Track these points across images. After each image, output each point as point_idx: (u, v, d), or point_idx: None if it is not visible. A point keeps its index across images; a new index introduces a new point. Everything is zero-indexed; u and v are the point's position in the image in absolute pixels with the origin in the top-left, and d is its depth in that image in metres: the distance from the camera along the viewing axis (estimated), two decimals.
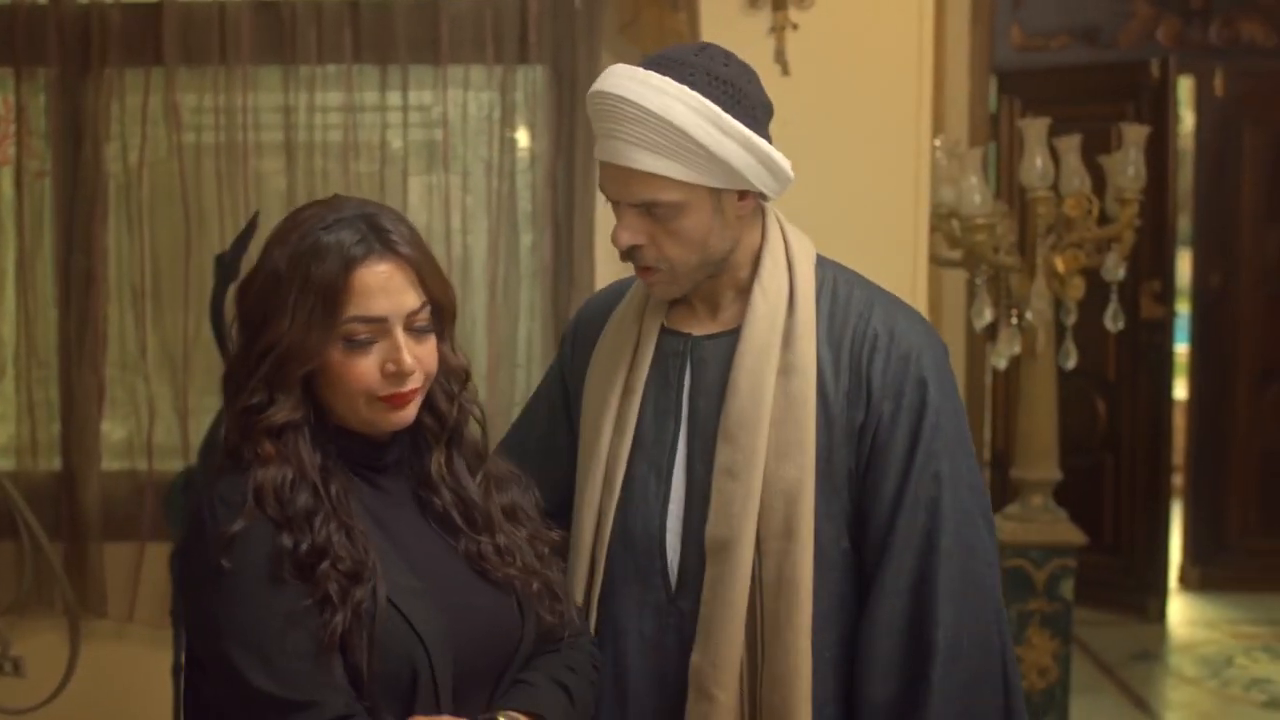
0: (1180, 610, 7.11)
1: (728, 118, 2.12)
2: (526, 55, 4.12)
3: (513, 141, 4.18)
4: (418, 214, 4.10)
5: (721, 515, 2.18)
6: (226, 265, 3.73)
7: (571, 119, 4.08)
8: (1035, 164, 4.63)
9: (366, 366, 1.95)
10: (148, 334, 4.20)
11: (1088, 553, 5.09)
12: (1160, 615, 6.95)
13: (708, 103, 2.11)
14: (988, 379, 6.43)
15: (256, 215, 3.80)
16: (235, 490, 1.93)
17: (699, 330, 2.29)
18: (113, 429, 4.30)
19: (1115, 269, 4.63)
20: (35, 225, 4.23)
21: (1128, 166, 4.66)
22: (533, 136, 4.21)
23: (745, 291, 2.26)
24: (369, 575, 1.90)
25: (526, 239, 4.21)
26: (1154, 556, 6.98)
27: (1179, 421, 7.45)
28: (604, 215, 4.06)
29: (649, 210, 2.15)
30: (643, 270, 2.22)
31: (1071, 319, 4.68)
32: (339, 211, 1.99)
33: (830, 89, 3.90)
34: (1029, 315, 4.68)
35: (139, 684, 4.13)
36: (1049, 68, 7.14)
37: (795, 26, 3.97)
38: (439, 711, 1.91)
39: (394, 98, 4.17)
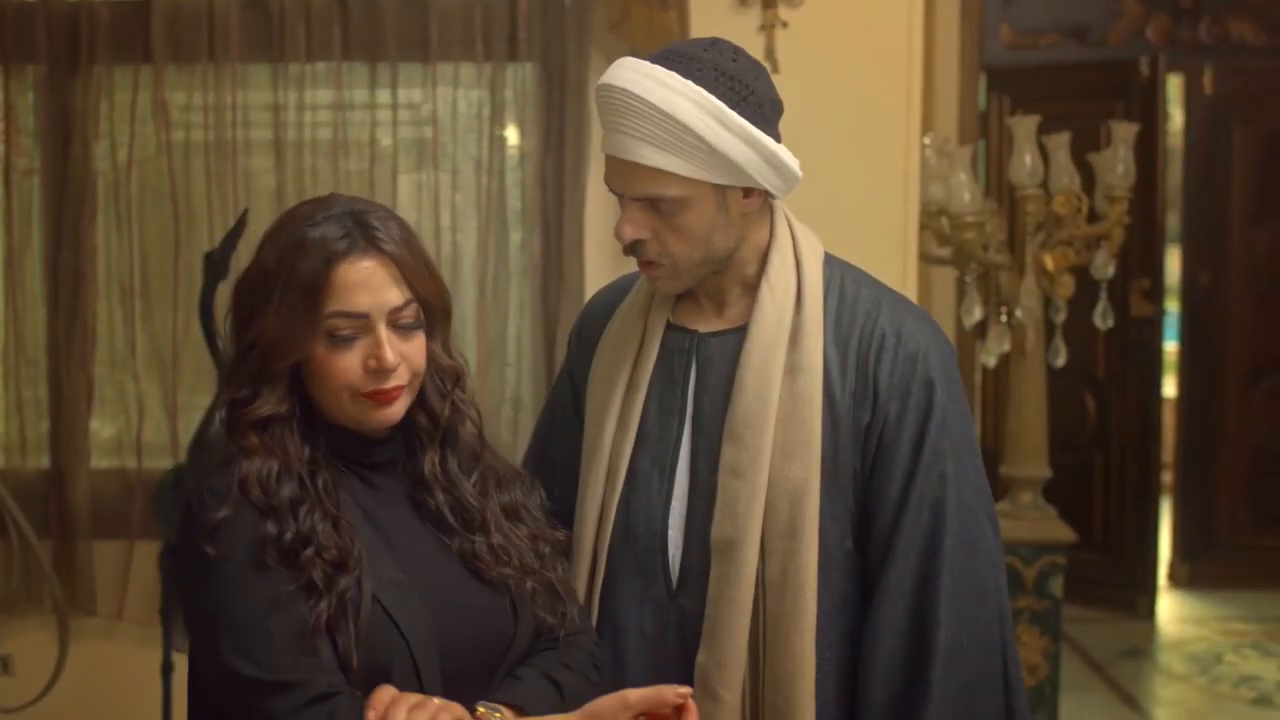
0: (1169, 607, 7.12)
1: (732, 114, 2.11)
2: (516, 53, 4.12)
3: (502, 139, 4.18)
4: (407, 212, 4.09)
5: (727, 515, 2.18)
6: (215, 263, 3.73)
7: (561, 117, 4.08)
8: (1025, 162, 4.64)
9: (349, 362, 1.95)
10: (137, 332, 4.20)
11: (1077, 550, 5.10)
12: (1149, 612, 6.96)
13: (712, 98, 2.10)
14: (977, 377, 6.43)
15: (245, 213, 3.80)
16: (223, 481, 1.94)
17: (705, 327, 2.29)
18: (102, 427, 4.29)
19: (1104, 267, 4.64)
20: (24, 223, 4.22)
21: (1117, 164, 4.67)
22: (522, 134, 4.21)
23: (752, 289, 2.26)
24: (354, 565, 1.90)
25: (516, 237, 4.21)
26: (1143, 554, 6.99)
27: (1168, 419, 7.46)
28: (593, 213, 4.08)
29: (653, 205, 2.14)
30: (645, 265, 2.22)
31: (1061, 317, 4.69)
32: (329, 209, 1.99)
33: (820, 87, 3.89)
34: (1018, 313, 4.69)
35: (128, 682, 4.12)
36: (1038, 65, 7.15)
37: (785, 24, 3.97)
38: None
39: (383, 95, 4.17)
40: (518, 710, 1.95)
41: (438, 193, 4.18)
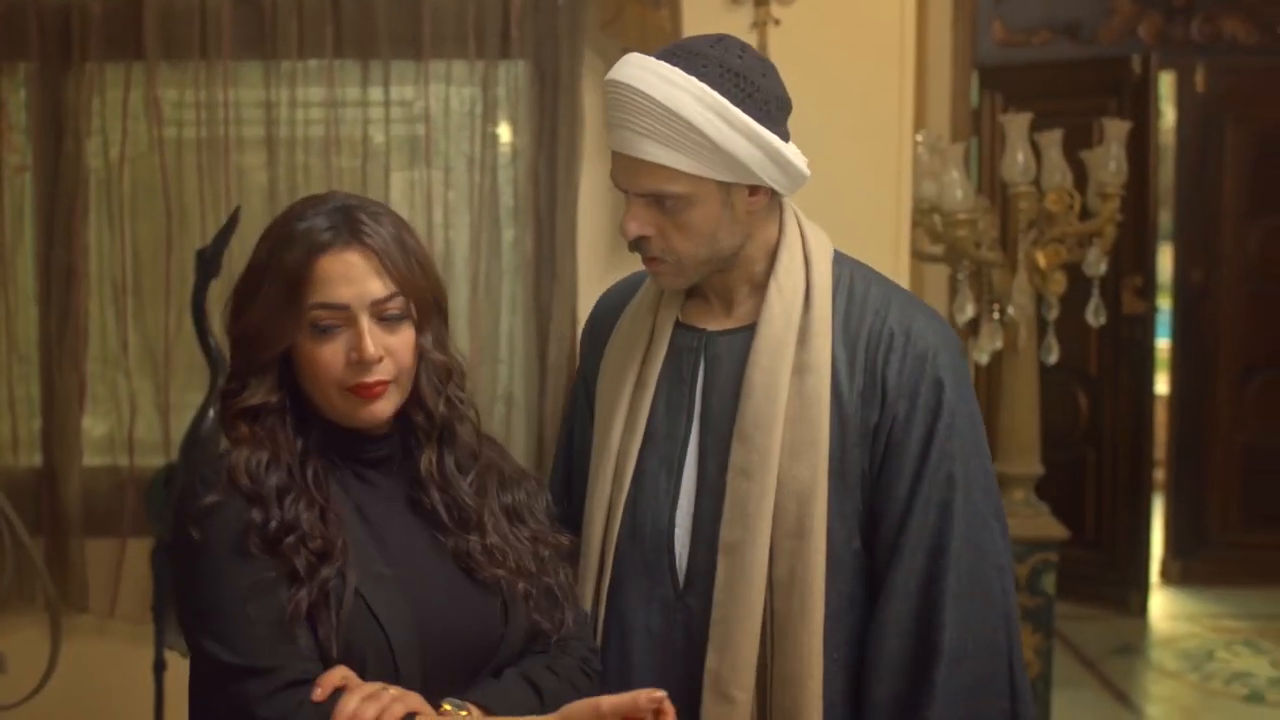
0: (1161, 604, 7.13)
1: (735, 111, 2.10)
2: (509, 50, 4.11)
3: (495, 137, 4.18)
4: (399, 209, 4.03)
5: (736, 515, 2.17)
6: (208, 260, 3.72)
7: (554, 114, 4.08)
8: (1017, 159, 4.64)
9: (332, 354, 1.96)
10: (129, 329, 4.19)
11: (1069, 547, 5.10)
12: (1142, 609, 6.97)
13: (716, 95, 2.09)
14: (970, 374, 6.43)
15: (238, 210, 3.79)
16: (214, 470, 1.96)
17: (713, 325, 2.28)
18: (94, 424, 4.29)
19: (1097, 264, 4.64)
20: (15, 220, 4.22)
21: (1109, 162, 4.67)
22: (515, 132, 4.21)
23: (760, 287, 2.25)
24: (337, 555, 1.91)
25: (508, 234, 4.21)
26: (1135, 551, 7.00)
27: (1160, 416, 7.46)
28: (586, 210, 4.08)
29: (657, 202, 2.14)
30: (649, 261, 2.21)
31: (1053, 314, 4.68)
32: (323, 204, 2.00)
33: (812, 84, 3.87)
34: (1010, 310, 4.68)
35: (120, 679, 4.12)
36: (1031, 63, 7.15)
37: (777, 22, 3.97)
38: None
39: (376, 93, 4.17)
40: (485, 710, 1.94)
41: (430, 190, 4.18)
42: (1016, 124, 4.68)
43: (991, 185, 6.41)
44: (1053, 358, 4.75)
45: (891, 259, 3.95)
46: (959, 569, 2.15)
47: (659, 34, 3.82)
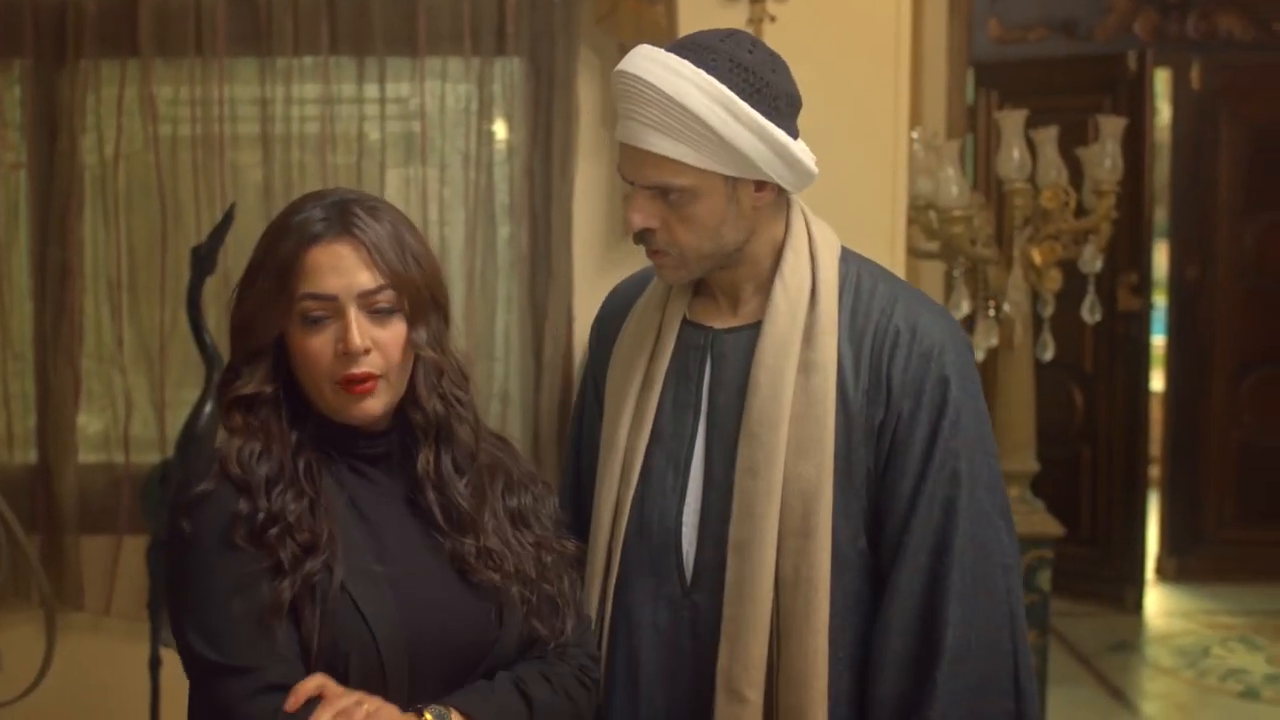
0: (1157, 601, 7.14)
1: (743, 105, 2.09)
2: (504, 47, 4.11)
3: (490, 133, 4.17)
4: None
5: (744, 514, 2.16)
6: (203, 258, 3.72)
7: (549, 111, 4.08)
8: (1012, 156, 4.64)
9: (320, 345, 1.95)
10: (124, 326, 4.19)
11: (1065, 544, 5.10)
12: (1137, 606, 6.97)
13: (723, 89, 2.08)
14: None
15: (233, 207, 3.80)
16: (208, 461, 1.97)
17: (720, 323, 2.27)
18: (89, 421, 4.28)
19: (1092, 261, 4.64)
20: (10, 217, 4.21)
21: (1105, 159, 4.67)
22: (510, 128, 4.21)
23: (766, 285, 2.24)
24: (323, 548, 1.91)
25: (504, 231, 4.20)
26: (1131, 547, 7.01)
27: (1156, 413, 7.46)
28: (581, 207, 4.08)
29: (662, 194, 2.13)
30: (653, 254, 2.20)
31: (1048, 311, 4.69)
32: (321, 199, 2.01)
33: (808, 81, 3.86)
34: (1006, 307, 4.69)
35: (116, 677, 4.12)
36: (1026, 60, 7.15)
37: (773, 19, 3.97)
38: (385, 700, 1.90)
39: (371, 90, 4.17)
40: (468, 718, 1.94)
41: (425, 187, 4.18)
42: (1012, 121, 4.68)
43: (987, 182, 6.40)
44: (1048, 354, 4.75)
45: (887, 256, 3.95)
46: (963, 567, 2.14)
47: (654, 29, 3.82)
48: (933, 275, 5.34)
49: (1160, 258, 7.50)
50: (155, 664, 3.84)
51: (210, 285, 3.80)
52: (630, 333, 2.34)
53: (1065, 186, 4.65)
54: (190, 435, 3.71)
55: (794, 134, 2.17)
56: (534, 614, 2.06)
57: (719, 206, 2.14)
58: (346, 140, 4.19)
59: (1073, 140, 4.97)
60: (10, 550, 4.04)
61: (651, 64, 2.10)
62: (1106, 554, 7.00)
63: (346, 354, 1.94)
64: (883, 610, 2.17)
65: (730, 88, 2.09)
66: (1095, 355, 6.99)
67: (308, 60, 4.14)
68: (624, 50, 3.88)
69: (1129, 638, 6.64)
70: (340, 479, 2.02)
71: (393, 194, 4.18)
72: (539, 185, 4.11)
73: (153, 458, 4.13)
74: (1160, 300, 7.46)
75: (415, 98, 4.18)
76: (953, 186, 4.60)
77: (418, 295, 2.01)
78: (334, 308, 1.95)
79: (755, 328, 2.23)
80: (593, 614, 2.27)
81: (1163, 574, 7.45)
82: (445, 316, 2.08)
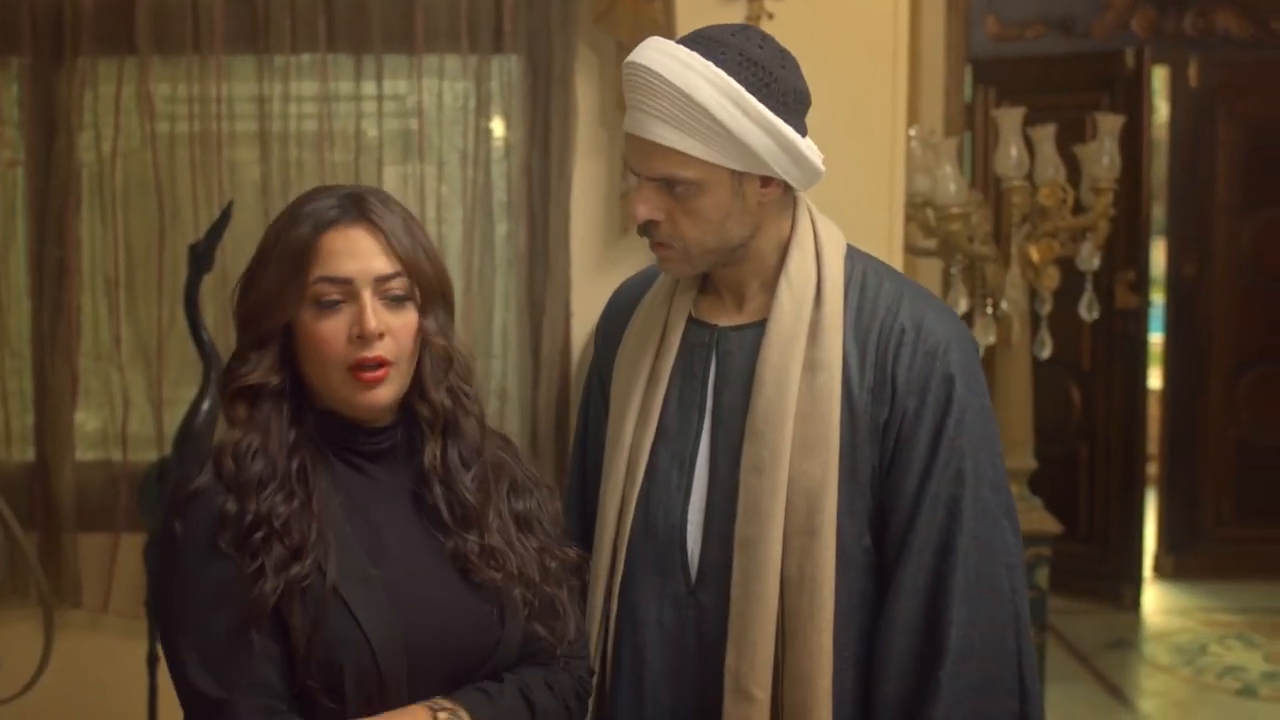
0: (1154, 599, 7.14)
1: (751, 99, 2.10)
2: (502, 45, 4.11)
3: (488, 131, 4.17)
4: None
5: (749, 512, 2.16)
6: (200, 255, 3.72)
7: (547, 108, 4.08)
8: (1010, 153, 4.64)
9: (334, 329, 1.95)
10: (121, 324, 4.18)
11: (1062, 541, 5.11)
12: (1135, 604, 6.97)
13: (733, 82, 2.09)
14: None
15: (230, 205, 3.79)
16: (205, 456, 1.97)
17: (725, 321, 2.27)
18: (86, 419, 4.28)
19: (1090, 258, 4.65)
20: (8, 215, 4.21)
21: (1102, 156, 4.68)
22: (508, 126, 4.21)
23: (772, 283, 2.24)
24: (309, 551, 1.90)
25: (501, 228, 4.20)
26: (1128, 545, 7.01)
27: (1153, 411, 7.47)
28: (579, 204, 4.08)
29: (668, 186, 2.13)
30: (656, 246, 2.20)
31: (1046, 308, 4.69)
32: (331, 192, 2.03)
33: (806, 78, 3.89)
34: (1004, 304, 4.69)
35: (113, 675, 4.11)
36: (1024, 57, 7.16)
37: (771, 16, 3.97)
38: (383, 702, 1.91)
39: (369, 87, 4.16)
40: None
41: (423, 185, 4.17)
42: (1010, 118, 4.69)
43: (985, 180, 6.40)
44: (1046, 352, 4.75)
45: (884, 253, 3.94)
46: (967, 566, 2.14)
47: (652, 27, 3.81)
48: (930, 273, 5.34)
49: (1158, 255, 7.51)
50: (153, 661, 3.84)
51: (208, 283, 3.80)
52: (635, 330, 2.34)
53: (1063, 184, 4.65)
54: (188, 433, 3.71)
55: (802, 131, 2.18)
56: (536, 617, 2.05)
57: (724, 200, 2.15)
58: (344, 138, 4.19)
59: (1070, 138, 4.97)
60: (8, 548, 4.04)
61: (661, 56, 2.11)
62: (1104, 551, 7.00)
63: (361, 337, 1.94)
64: (886, 609, 2.17)
65: (739, 82, 2.10)
66: (1093, 353, 6.99)
67: (305, 58, 4.14)
68: (622, 48, 3.91)
69: (1127, 635, 6.65)
70: (338, 477, 2.01)
71: (390, 191, 4.16)
72: (537, 183, 4.11)
73: (150, 455, 4.13)
74: (1158, 298, 7.46)
75: (413, 95, 4.17)
76: (950, 184, 4.61)
77: (429, 285, 2.02)
78: (349, 291, 1.95)
79: (760, 325, 2.23)
80: (598, 612, 2.28)
81: (1160, 572, 7.46)
82: (450, 311, 2.09)
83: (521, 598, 2.04)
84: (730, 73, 2.10)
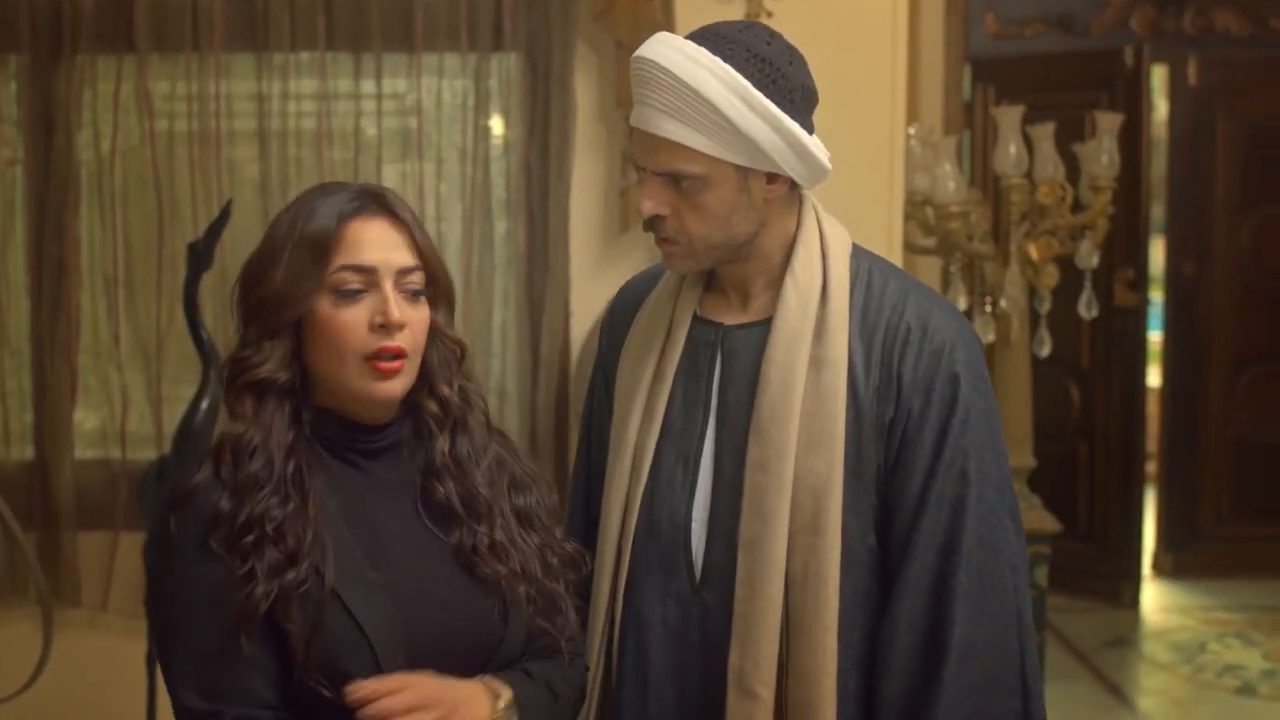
0: (1154, 597, 7.14)
1: (758, 95, 2.09)
2: (501, 43, 4.11)
3: (487, 129, 4.17)
4: None
5: (754, 511, 2.16)
6: (199, 253, 3.72)
7: (546, 106, 4.08)
8: (1009, 152, 4.65)
9: (355, 318, 1.94)
10: (120, 322, 4.18)
11: (1062, 540, 5.12)
12: (1134, 602, 6.97)
13: (739, 78, 2.09)
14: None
15: (229, 203, 3.79)
16: (204, 453, 1.97)
17: (730, 319, 2.27)
18: (85, 418, 4.28)
19: (1089, 257, 4.65)
20: (7, 213, 4.21)
21: (1101, 154, 4.68)
22: (507, 124, 4.21)
23: (777, 281, 2.23)
24: (305, 555, 1.88)
25: (501, 227, 4.20)
26: (1128, 543, 7.01)
27: (1152, 409, 7.48)
28: (578, 203, 4.08)
29: (674, 181, 2.13)
30: (661, 241, 2.20)
31: (1045, 306, 4.70)
32: (343, 187, 2.02)
33: None
34: (1003, 303, 4.69)
35: (112, 674, 4.11)
36: (1023, 56, 7.15)
37: (770, 14, 3.97)
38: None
39: (368, 85, 4.16)
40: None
41: (422, 183, 4.17)
42: (1009, 117, 4.69)
43: (984, 178, 6.40)
44: (1045, 350, 4.76)
45: (884, 252, 3.90)
46: (970, 566, 2.13)
47: (651, 25, 3.81)
48: (930, 271, 5.35)
49: (1157, 253, 7.51)
50: (152, 660, 3.84)
51: (207, 281, 3.79)
52: (641, 329, 2.34)
53: (1062, 182, 4.66)
54: (187, 431, 3.71)
55: (809, 128, 2.18)
56: (539, 613, 2.05)
57: (730, 196, 2.14)
58: (343, 136, 4.19)
59: (1069, 136, 4.98)
60: (7, 547, 4.05)
61: (669, 50, 2.11)
62: (1103, 550, 7.00)
63: (384, 326, 1.94)
64: (890, 608, 2.17)
65: (746, 77, 2.09)
66: (1092, 351, 6.99)
67: (304, 56, 4.14)
68: (621, 46, 3.91)
69: (1126, 633, 6.64)
70: (336, 477, 1.99)
71: None
72: (536, 181, 4.11)
73: (149, 454, 4.13)
74: (1157, 296, 7.46)
75: (412, 93, 4.17)
76: (949, 182, 4.61)
77: (442, 281, 2.03)
78: (370, 281, 1.95)
79: (766, 324, 2.23)
80: (602, 610, 2.27)
81: (1159, 570, 7.46)
82: (452, 310, 2.10)
83: (525, 594, 2.04)
84: (738, 68, 2.09)
